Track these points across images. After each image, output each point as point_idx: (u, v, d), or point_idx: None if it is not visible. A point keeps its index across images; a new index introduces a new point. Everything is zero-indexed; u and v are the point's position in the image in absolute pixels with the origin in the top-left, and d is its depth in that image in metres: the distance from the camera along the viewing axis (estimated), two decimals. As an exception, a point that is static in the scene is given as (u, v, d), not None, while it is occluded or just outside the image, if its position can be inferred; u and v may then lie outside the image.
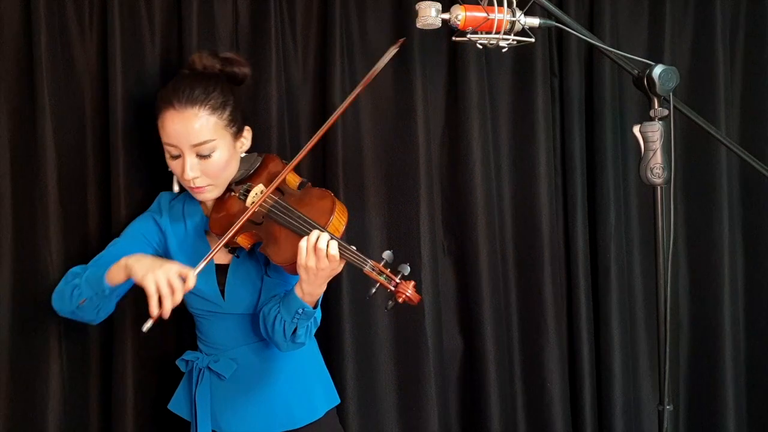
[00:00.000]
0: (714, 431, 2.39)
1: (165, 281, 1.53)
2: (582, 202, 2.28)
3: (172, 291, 1.54)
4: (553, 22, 1.80)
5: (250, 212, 1.69)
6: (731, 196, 2.38)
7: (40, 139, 1.94)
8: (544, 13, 1.85)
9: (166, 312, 1.55)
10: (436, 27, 1.72)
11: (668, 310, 1.73)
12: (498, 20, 1.69)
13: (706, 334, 2.40)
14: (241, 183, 1.81)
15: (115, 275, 1.63)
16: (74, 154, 2.01)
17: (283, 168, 1.77)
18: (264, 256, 1.75)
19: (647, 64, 1.72)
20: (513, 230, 2.29)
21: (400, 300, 1.58)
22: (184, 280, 1.56)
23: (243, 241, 1.74)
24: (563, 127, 2.30)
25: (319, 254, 1.59)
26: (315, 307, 1.69)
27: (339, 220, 1.69)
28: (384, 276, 1.59)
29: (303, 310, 1.66)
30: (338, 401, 1.95)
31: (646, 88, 1.71)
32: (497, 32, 1.70)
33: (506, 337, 2.26)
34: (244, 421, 1.82)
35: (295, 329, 1.68)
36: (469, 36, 1.71)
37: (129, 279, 1.62)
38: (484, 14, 1.69)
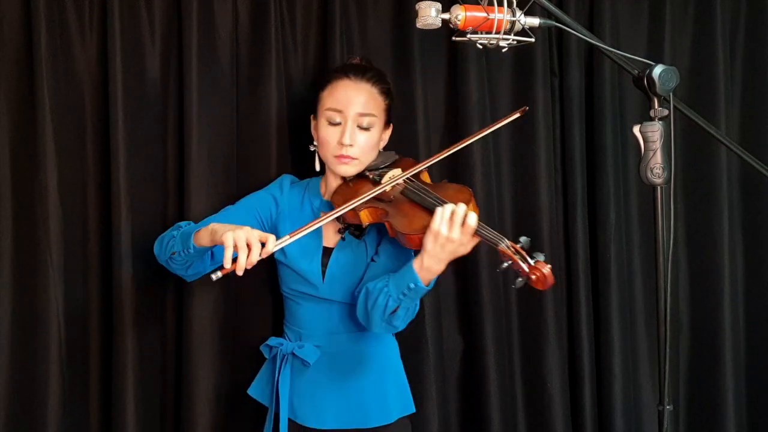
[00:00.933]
0: (714, 431, 2.39)
1: (243, 238, 1.56)
2: (582, 202, 2.28)
3: (250, 247, 1.56)
4: (553, 22, 1.79)
5: (390, 184, 1.77)
6: (731, 196, 2.38)
7: (40, 139, 1.95)
8: (544, 13, 1.85)
9: (240, 267, 1.55)
10: (436, 27, 1.72)
11: (668, 310, 1.73)
12: (498, 20, 1.69)
13: (706, 334, 2.40)
14: (375, 170, 1.86)
15: (202, 237, 1.67)
16: (74, 154, 2.01)
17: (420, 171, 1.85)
18: (373, 242, 1.82)
19: (647, 64, 1.72)
20: (513, 230, 2.28)
21: (534, 277, 1.57)
22: (263, 244, 1.58)
23: (365, 215, 1.77)
24: (563, 127, 2.30)
25: (455, 221, 1.61)
26: (427, 286, 1.68)
27: (474, 211, 1.69)
28: (519, 255, 1.60)
29: (414, 285, 1.65)
30: (413, 410, 1.92)
31: (646, 88, 1.71)
32: (497, 32, 1.70)
33: (506, 337, 2.26)
34: (318, 411, 1.84)
35: (396, 308, 1.67)
36: (469, 36, 1.71)
37: (213, 246, 1.67)
38: (484, 14, 1.69)
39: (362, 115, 1.81)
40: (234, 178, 2.09)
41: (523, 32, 1.73)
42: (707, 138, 2.11)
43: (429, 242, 1.63)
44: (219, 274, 1.55)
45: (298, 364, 1.84)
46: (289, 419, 1.84)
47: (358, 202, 1.73)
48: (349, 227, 1.83)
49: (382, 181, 1.81)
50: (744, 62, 2.44)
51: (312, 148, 1.90)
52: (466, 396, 2.27)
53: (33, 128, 1.95)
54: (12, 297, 1.97)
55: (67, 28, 1.99)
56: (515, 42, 1.73)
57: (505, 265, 1.62)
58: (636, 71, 1.75)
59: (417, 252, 1.68)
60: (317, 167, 1.92)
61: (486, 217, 2.18)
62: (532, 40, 1.73)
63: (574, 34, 1.82)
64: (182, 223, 1.85)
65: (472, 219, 1.62)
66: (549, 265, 1.58)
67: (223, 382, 2.06)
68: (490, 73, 2.23)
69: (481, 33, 1.70)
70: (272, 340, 1.90)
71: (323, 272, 1.82)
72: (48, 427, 1.98)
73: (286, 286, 1.88)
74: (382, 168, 1.87)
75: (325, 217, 1.72)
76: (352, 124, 1.80)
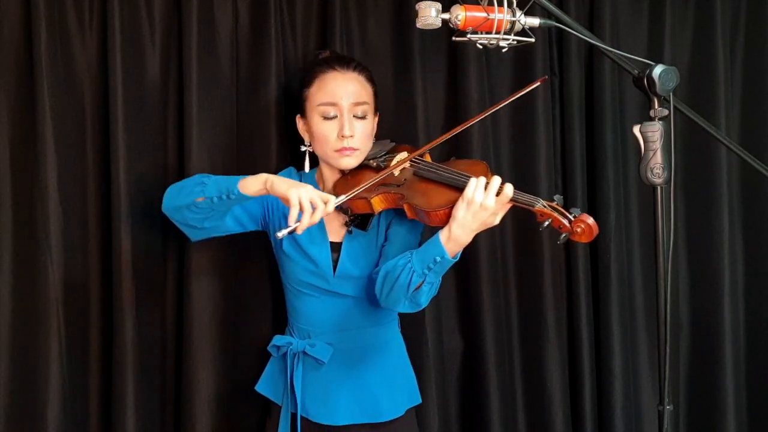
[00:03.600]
0: (714, 431, 2.39)
1: (308, 198, 1.58)
2: (582, 202, 2.28)
3: (315, 209, 1.59)
4: (553, 22, 1.79)
5: (403, 161, 1.77)
6: (731, 196, 2.37)
7: (40, 139, 1.95)
8: (544, 13, 1.85)
9: (303, 226, 1.58)
10: (436, 27, 1.72)
11: (668, 310, 1.73)
12: (498, 20, 1.69)
13: (706, 334, 2.40)
14: (375, 158, 1.86)
15: (252, 185, 1.66)
16: (74, 154, 2.01)
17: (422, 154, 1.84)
18: (381, 229, 1.82)
19: (647, 64, 1.71)
20: (513, 230, 2.28)
21: (579, 230, 1.60)
22: (325, 203, 1.60)
23: (378, 202, 1.75)
24: (563, 127, 2.30)
25: (490, 190, 1.62)
26: (453, 258, 1.67)
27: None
28: (558, 212, 1.61)
29: (441, 258, 1.64)
30: (419, 401, 1.94)
31: (646, 88, 1.71)
32: (497, 32, 1.70)
33: (506, 337, 2.26)
34: (329, 407, 1.84)
35: (420, 284, 1.65)
36: (469, 36, 1.70)
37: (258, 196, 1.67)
38: (484, 14, 1.69)
39: (357, 104, 1.81)
40: (234, 177, 2.09)
41: (523, 32, 1.73)
42: (707, 138, 2.11)
43: (461, 211, 1.63)
44: (285, 231, 1.57)
45: (310, 362, 1.83)
46: (301, 416, 1.84)
47: (377, 179, 1.72)
48: (356, 219, 1.82)
49: (389, 164, 1.81)
50: (744, 62, 2.44)
51: (303, 149, 1.89)
52: (466, 396, 2.27)
53: (33, 128, 1.95)
54: (12, 296, 1.97)
55: (67, 28, 1.99)
56: (515, 42, 1.73)
57: (546, 224, 1.64)
58: (636, 71, 1.75)
59: (432, 230, 1.69)
60: (307, 168, 1.91)
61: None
62: (532, 40, 1.73)
63: (574, 34, 1.82)
64: (200, 175, 1.78)
65: (509, 188, 1.64)
66: (591, 217, 1.61)
67: (223, 380, 2.06)
68: (490, 73, 2.23)
69: (481, 33, 1.70)
70: (279, 339, 1.89)
71: (334, 266, 1.81)
72: (48, 427, 1.98)
73: (293, 281, 1.86)
74: (383, 155, 1.86)
75: (356, 189, 1.70)
76: (348, 114, 1.79)
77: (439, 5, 1.70)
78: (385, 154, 1.88)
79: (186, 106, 2.01)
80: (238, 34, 2.09)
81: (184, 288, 2.03)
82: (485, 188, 1.62)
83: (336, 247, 1.83)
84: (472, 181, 1.64)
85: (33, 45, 1.93)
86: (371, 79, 1.88)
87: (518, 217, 2.28)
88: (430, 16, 1.70)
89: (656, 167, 1.70)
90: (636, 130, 1.72)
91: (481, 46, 1.73)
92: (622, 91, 2.32)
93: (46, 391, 1.98)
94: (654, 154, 1.69)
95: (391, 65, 2.19)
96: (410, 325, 2.16)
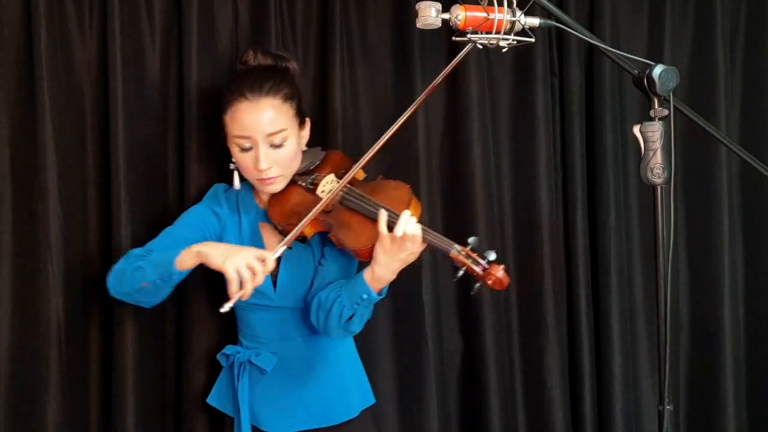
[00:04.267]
0: (714, 431, 2.39)
1: (245, 265, 1.56)
2: (582, 202, 2.28)
3: (254, 274, 1.56)
4: (553, 22, 1.79)
5: (329, 198, 1.70)
6: (731, 196, 2.38)
7: (40, 139, 1.94)
8: (544, 13, 1.85)
9: (247, 294, 1.57)
10: (436, 27, 1.72)
11: (668, 310, 1.73)
12: (498, 20, 1.69)
13: (706, 334, 2.40)
14: (305, 175, 1.82)
15: (186, 261, 1.64)
16: (74, 154, 2.01)
17: (351, 161, 1.79)
18: (318, 246, 1.79)
19: (647, 64, 1.71)
20: (513, 230, 2.28)
21: (490, 282, 1.58)
22: (262, 262, 1.58)
23: (309, 229, 1.74)
24: (563, 127, 2.30)
25: (402, 231, 1.60)
26: (379, 294, 1.69)
27: (416, 210, 1.69)
28: (471, 259, 1.59)
29: (367, 296, 1.66)
30: (374, 401, 1.94)
31: (646, 88, 1.71)
32: (497, 32, 1.70)
33: (506, 337, 2.26)
34: (281, 415, 1.83)
35: (351, 316, 1.68)
36: (469, 36, 1.71)
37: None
38: (484, 14, 1.69)
39: (271, 134, 1.72)
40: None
41: (523, 32, 1.73)
42: (707, 138, 2.11)
43: (380, 254, 1.63)
44: (230, 304, 1.56)
45: (256, 372, 1.83)
46: (253, 426, 1.83)
47: (304, 223, 1.67)
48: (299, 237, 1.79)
49: (318, 192, 1.78)
50: (744, 62, 2.44)
51: (231, 167, 1.84)
52: (466, 396, 2.27)
53: (33, 128, 1.95)
54: (12, 297, 1.97)
55: (67, 28, 1.99)
56: (515, 42, 1.73)
57: (461, 273, 1.62)
58: (636, 71, 1.75)
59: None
60: (237, 185, 1.86)
61: (486, 217, 2.19)
62: (532, 40, 1.73)
63: (574, 34, 1.82)
64: (134, 251, 1.74)
65: (415, 228, 1.61)
66: (502, 266, 1.58)
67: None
68: (490, 73, 2.23)
69: (481, 33, 1.70)
70: (228, 348, 1.89)
71: (274, 282, 1.80)
72: (48, 427, 1.97)
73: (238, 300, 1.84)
74: (311, 172, 1.82)
75: (288, 237, 1.66)
76: (263, 146, 1.72)
77: (439, 5, 1.70)
78: (314, 169, 1.83)
79: (186, 106, 2.01)
80: (238, 34, 2.09)
81: (184, 288, 2.03)
82: (397, 227, 1.60)
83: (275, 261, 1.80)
84: (382, 225, 1.62)
85: (33, 45, 1.93)
86: (291, 95, 1.76)
87: (518, 216, 2.28)
88: (430, 16, 1.70)
89: (656, 167, 1.70)
90: (636, 130, 1.72)
91: (481, 46, 1.73)
92: (622, 91, 2.32)
93: (46, 391, 1.98)
94: (654, 154, 1.69)
95: (391, 65, 2.18)
96: (410, 325, 2.16)
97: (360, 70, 2.16)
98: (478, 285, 1.61)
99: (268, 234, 1.82)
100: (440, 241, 1.63)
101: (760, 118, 2.42)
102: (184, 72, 2.01)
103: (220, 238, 1.83)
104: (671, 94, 1.70)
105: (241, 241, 1.82)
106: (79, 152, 2.02)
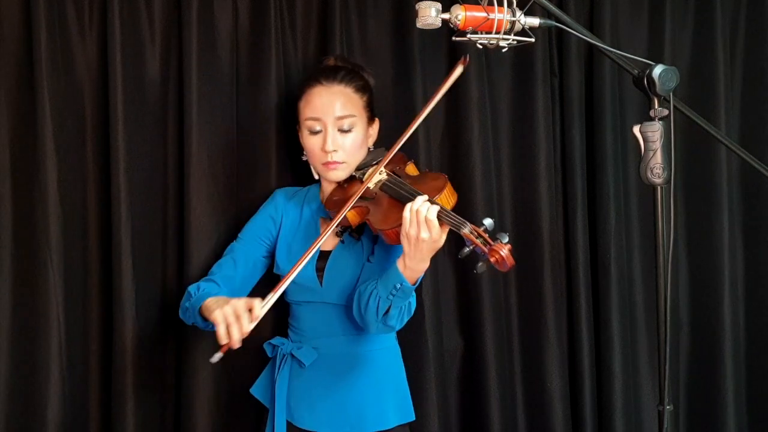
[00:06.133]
0: (714, 431, 2.39)
1: (231, 310, 1.60)
2: (582, 202, 2.28)
3: (237, 318, 1.59)
4: (553, 22, 1.79)
5: (363, 187, 1.76)
6: (731, 196, 2.37)
7: (40, 139, 1.95)
8: (544, 13, 1.85)
9: (234, 342, 1.59)
10: (436, 27, 1.72)
11: (668, 310, 1.73)
12: (498, 20, 1.69)
13: (706, 334, 2.39)
14: (361, 169, 1.86)
15: (205, 312, 1.72)
16: (74, 154, 2.01)
17: (405, 163, 1.87)
18: (369, 242, 1.83)
19: (647, 64, 1.71)
20: (513, 230, 2.28)
21: (492, 260, 1.57)
22: (250, 310, 1.61)
23: (352, 216, 1.77)
24: (563, 127, 2.30)
25: (419, 219, 1.61)
26: (414, 284, 1.69)
27: (447, 199, 1.72)
28: (481, 239, 1.59)
29: (401, 285, 1.67)
30: (413, 418, 1.89)
31: (646, 88, 1.71)
32: (497, 32, 1.70)
33: (506, 337, 2.26)
34: (316, 415, 1.83)
35: (388, 309, 1.69)
36: (469, 36, 1.71)
37: None
38: (484, 14, 1.69)
39: (341, 118, 1.80)
40: (234, 178, 2.09)
41: (523, 32, 1.73)
42: (707, 138, 2.11)
43: (404, 243, 1.65)
44: (218, 355, 1.59)
45: (297, 365, 1.84)
46: (288, 422, 1.84)
47: (345, 211, 1.73)
48: (346, 229, 1.83)
49: (364, 179, 1.82)
50: (744, 62, 2.44)
51: (304, 158, 1.90)
52: (466, 396, 2.27)
53: (33, 128, 1.95)
54: (12, 297, 1.97)
55: (67, 28, 1.99)
56: (515, 42, 1.73)
57: (467, 250, 1.62)
58: (636, 71, 1.75)
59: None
60: (315, 176, 1.92)
61: (486, 217, 2.18)
62: (532, 40, 1.73)
63: (574, 34, 1.82)
64: (191, 288, 1.83)
65: (431, 213, 1.62)
66: (508, 246, 1.57)
67: (223, 380, 2.06)
68: (490, 73, 2.23)
69: (481, 33, 1.70)
70: (275, 339, 1.91)
71: (320, 276, 1.82)
72: (48, 427, 1.98)
73: (287, 296, 1.87)
74: (366, 167, 1.86)
75: (309, 250, 1.70)
76: (332, 129, 1.80)
77: (439, 5, 1.70)
78: (371, 164, 1.86)
79: (186, 107, 2.01)
80: (238, 34, 2.09)
81: (184, 288, 2.02)
82: (416, 218, 1.61)
83: (325, 256, 1.84)
84: (406, 212, 1.63)
85: (33, 45, 1.93)
86: (362, 89, 1.86)
87: (518, 217, 2.28)
88: (430, 16, 1.70)
89: (656, 167, 1.70)
90: (636, 130, 1.72)
91: (481, 46, 1.73)
92: (622, 91, 2.32)
93: (46, 391, 1.98)
94: (654, 154, 1.69)
95: (391, 66, 2.18)
96: (410, 325, 2.15)
97: (360, 70, 2.16)
98: (481, 264, 1.60)
99: (325, 228, 1.82)
100: (454, 220, 1.63)
101: (760, 118, 2.42)
102: (184, 72, 2.01)
103: (276, 239, 1.90)
104: (671, 94, 1.70)
105: (295, 230, 1.88)
106: (79, 152, 2.02)
